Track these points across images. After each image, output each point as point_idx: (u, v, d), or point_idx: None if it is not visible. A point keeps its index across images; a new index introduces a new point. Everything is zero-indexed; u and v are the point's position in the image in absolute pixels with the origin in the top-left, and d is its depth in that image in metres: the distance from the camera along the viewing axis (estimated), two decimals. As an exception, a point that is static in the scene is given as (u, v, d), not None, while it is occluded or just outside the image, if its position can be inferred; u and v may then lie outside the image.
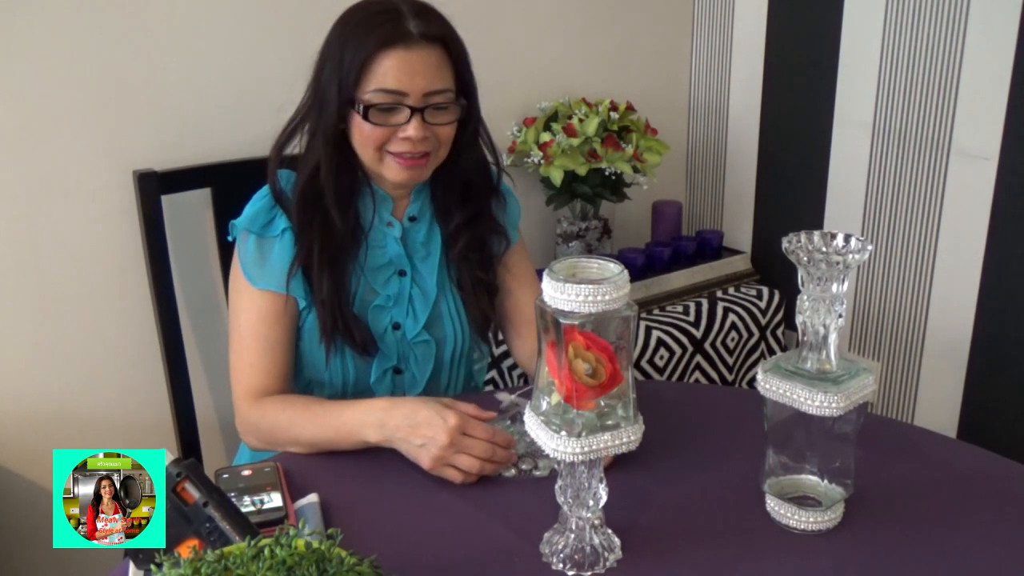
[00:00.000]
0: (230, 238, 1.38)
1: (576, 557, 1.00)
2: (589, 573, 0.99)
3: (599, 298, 0.89)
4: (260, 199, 1.34)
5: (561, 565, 1.00)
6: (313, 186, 1.31)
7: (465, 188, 1.39)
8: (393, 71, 1.24)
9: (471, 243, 1.39)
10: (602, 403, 0.94)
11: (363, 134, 1.28)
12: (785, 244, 0.99)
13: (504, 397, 1.31)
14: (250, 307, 1.32)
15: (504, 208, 1.44)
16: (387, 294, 1.36)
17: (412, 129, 1.26)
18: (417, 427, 1.15)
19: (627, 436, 0.94)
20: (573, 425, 0.93)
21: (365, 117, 1.26)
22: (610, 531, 1.03)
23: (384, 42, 1.24)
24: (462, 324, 1.40)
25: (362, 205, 1.35)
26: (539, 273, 1.17)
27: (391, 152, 1.29)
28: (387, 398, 1.26)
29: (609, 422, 0.94)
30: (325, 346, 1.32)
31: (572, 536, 1.01)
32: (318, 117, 1.30)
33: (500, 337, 1.53)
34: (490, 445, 1.14)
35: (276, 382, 1.32)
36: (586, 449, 0.93)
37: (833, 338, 1.00)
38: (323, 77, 1.29)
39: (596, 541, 1.00)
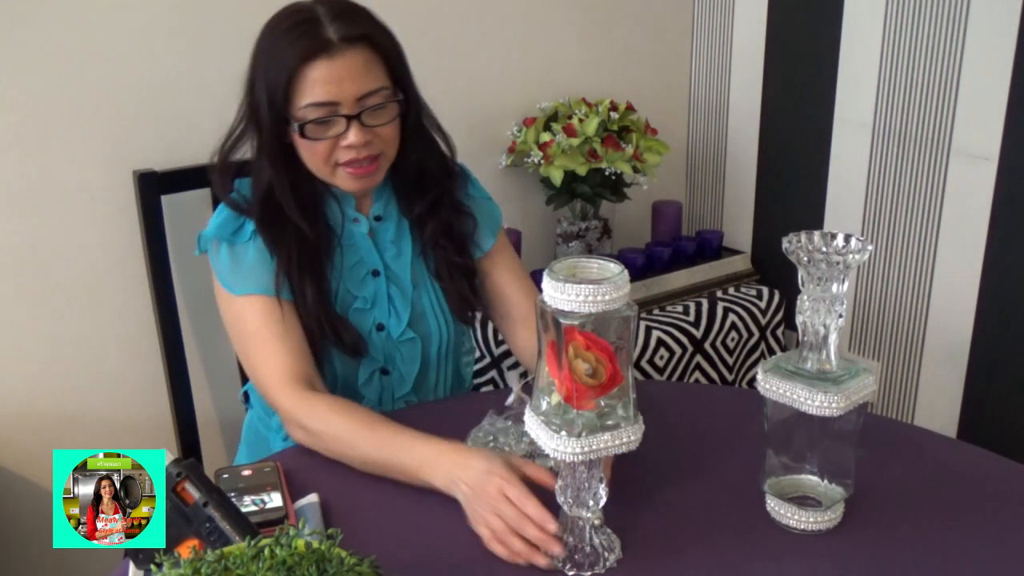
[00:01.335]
0: (197, 252, 1.34)
1: (576, 557, 1.00)
2: (589, 573, 0.99)
3: (599, 298, 0.89)
4: (224, 210, 1.31)
5: (561, 565, 1.00)
6: (271, 204, 1.28)
7: (420, 176, 1.35)
8: (320, 83, 1.20)
9: (439, 229, 1.36)
10: (602, 403, 0.94)
11: (306, 151, 1.26)
12: (785, 244, 0.99)
13: (514, 382, 1.29)
14: (245, 310, 1.28)
15: (466, 188, 1.41)
16: (364, 296, 1.34)
17: (352, 136, 1.23)
18: (466, 479, 1.07)
19: (627, 436, 0.94)
20: (573, 425, 0.93)
21: (302, 134, 1.23)
22: (610, 531, 1.03)
23: (305, 55, 1.19)
24: (445, 317, 1.38)
25: (327, 208, 1.33)
26: (539, 273, 1.17)
27: (340, 163, 1.26)
28: (458, 445, 1.14)
29: (609, 422, 0.94)
30: (313, 352, 1.29)
31: (572, 536, 1.01)
32: (259, 136, 1.27)
33: (499, 337, 1.53)
34: (522, 516, 1.01)
35: (306, 363, 1.27)
36: (586, 449, 0.93)
37: (833, 338, 1.00)
38: (255, 96, 1.25)
39: (596, 541, 1.00)
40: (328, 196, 1.33)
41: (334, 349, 1.32)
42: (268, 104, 1.23)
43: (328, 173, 1.28)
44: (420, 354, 1.38)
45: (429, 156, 1.36)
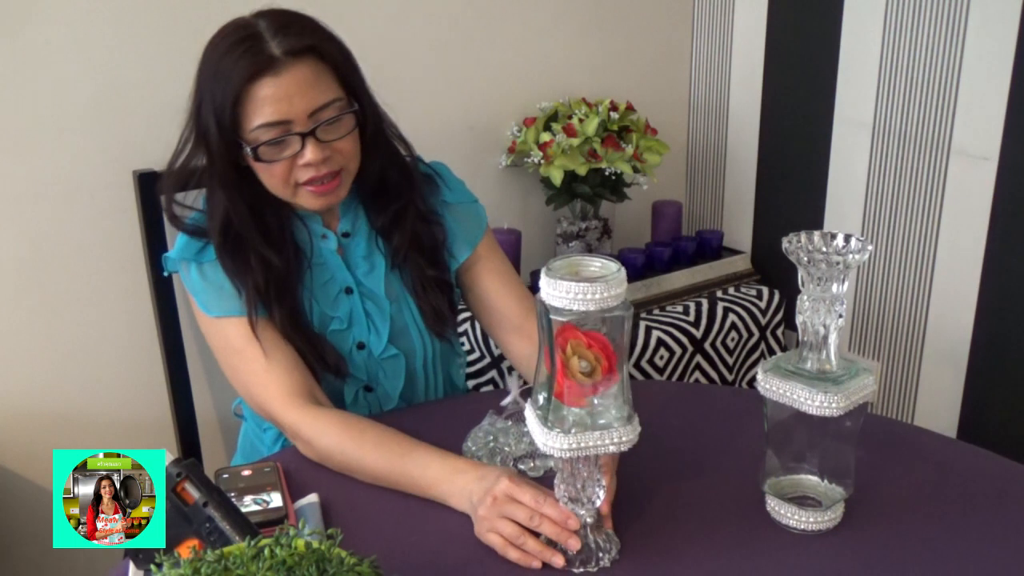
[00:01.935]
0: (165, 273, 1.31)
1: (569, 553, 1.00)
2: (582, 570, 0.99)
3: (592, 296, 0.89)
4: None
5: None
6: (229, 235, 1.23)
7: (382, 187, 1.31)
8: (268, 102, 1.15)
9: (406, 241, 1.31)
10: (595, 401, 0.94)
11: (263, 174, 1.21)
12: (785, 244, 0.99)
13: (512, 383, 1.27)
14: (227, 329, 1.25)
15: (440, 195, 1.37)
16: (340, 316, 1.31)
17: (309, 154, 1.18)
18: (477, 490, 1.05)
19: (618, 436, 0.94)
20: (564, 421, 0.94)
21: (256, 158, 1.18)
22: (610, 531, 1.03)
23: (250, 74, 1.14)
24: (428, 330, 1.35)
25: (294, 229, 1.29)
26: (539, 274, 1.16)
27: (300, 183, 1.21)
28: (474, 463, 1.12)
29: (601, 421, 0.94)
30: None
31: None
32: (209, 164, 1.22)
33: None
34: (534, 514, 1.00)
35: (303, 376, 1.24)
36: (574, 446, 0.93)
37: (833, 338, 1.00)
38: (202, 121, 1.20)
39: (591, 539, 1.00)
40: (293, 216, 1.29)
41: (317, 369, 1.28)
42: (217, 129, 1.18)
43: (289, 194, 1.23)
44: (404, 370, 1.35)
45: (391, 165, 1.31)
